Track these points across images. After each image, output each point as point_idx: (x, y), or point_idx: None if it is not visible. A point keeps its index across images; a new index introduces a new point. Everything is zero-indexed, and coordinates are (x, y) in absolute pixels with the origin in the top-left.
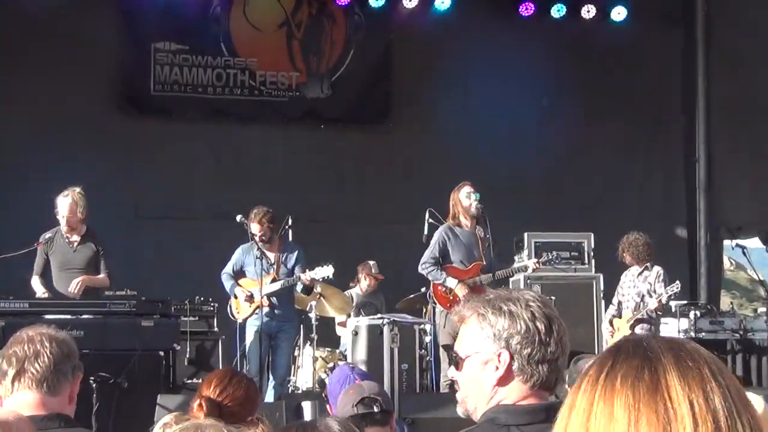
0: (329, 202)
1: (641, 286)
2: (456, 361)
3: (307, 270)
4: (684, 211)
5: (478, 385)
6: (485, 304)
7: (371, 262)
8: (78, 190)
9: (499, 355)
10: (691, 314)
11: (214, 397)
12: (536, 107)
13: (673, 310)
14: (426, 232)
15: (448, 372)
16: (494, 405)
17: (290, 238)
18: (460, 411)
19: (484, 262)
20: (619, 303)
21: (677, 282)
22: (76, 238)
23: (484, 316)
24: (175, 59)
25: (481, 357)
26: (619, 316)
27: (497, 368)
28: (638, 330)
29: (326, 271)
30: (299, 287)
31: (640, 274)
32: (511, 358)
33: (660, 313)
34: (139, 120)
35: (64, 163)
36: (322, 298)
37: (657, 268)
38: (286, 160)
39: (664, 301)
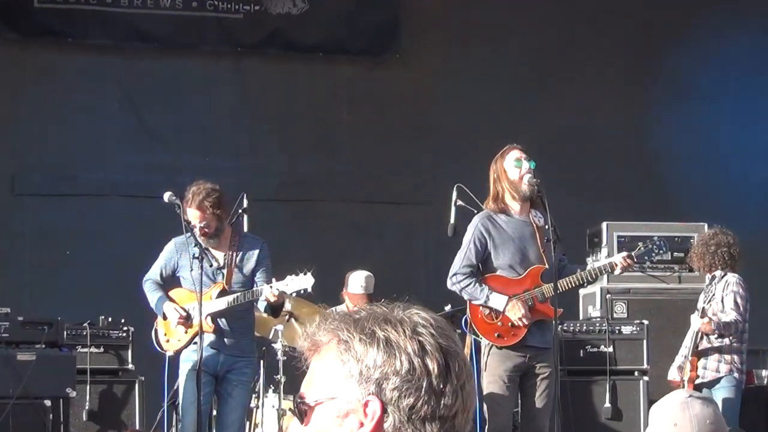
0: (306, 173)
1: (708, 304)
2: (301, 410)
3: (274, 279)
4: None
5: None
6: (351, 326)
7: (362, 276)
8: None
9: (365, 405)
10: None
11: None
12: (618, 39)
13: None
14: (452, 220)
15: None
16: None
17: (246, 228)
18: None
19: (547, 265)
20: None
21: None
22: None
23: (347, 345)
24: None
25: (339, 405)
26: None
27: (362, 424)
28: (702, 371)
29: (303, 282)
30: (261, 304)
31: (708, 286)
32: (383, 410)
33: (722, 339)
34: (18, 47)
35: None
36: (293, 320)
37: (730, 276)
38: (241, 109)
39: (716, 317)
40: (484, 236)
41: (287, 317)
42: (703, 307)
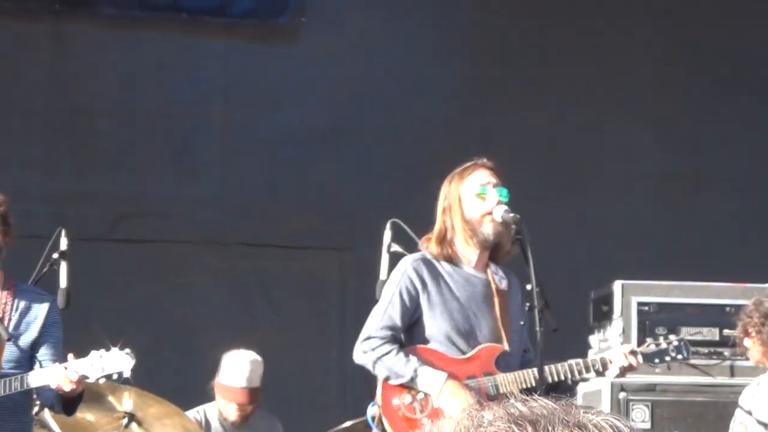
0: (156, 199)
1: None
2: None
3: (71, 356)
4: None
5: None
6: (528, 429)
7: (244, 361)
8: None
9: None
10: None
11: None
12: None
13: None
14: (384, 275)
15: None
16: None
17: (63, 281)
18: None
19: (507, 346)
20: None
21: None
22: None
23: None
24: None
25: None
26: None
27: None
28: None
29: (116, 362)
30: (50, 397)
31: None
32: None
33: None
34: None
35: None
36: (134, 425)
37: None
38: (58, 96)
39: None
40: (416, 287)
41: (125, 420)
42: None
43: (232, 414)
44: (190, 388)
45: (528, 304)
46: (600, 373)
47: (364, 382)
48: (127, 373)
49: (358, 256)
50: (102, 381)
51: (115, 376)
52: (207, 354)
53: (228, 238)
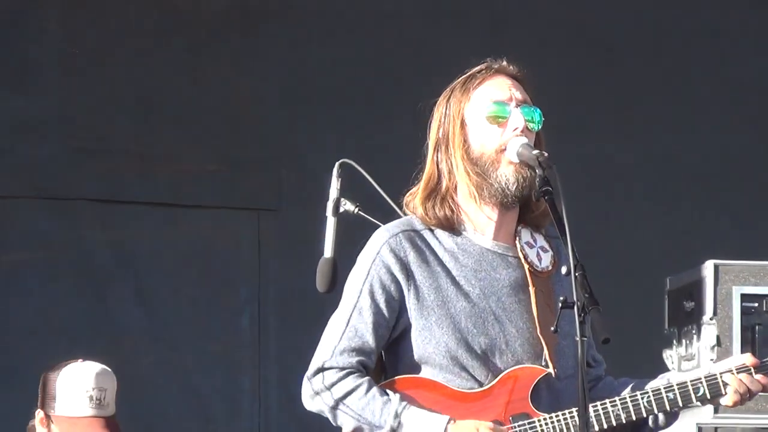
0: None
1: None
2: None
3: None
4: None
5: None
6: None
7: (87, 376)
8: None
9: None
10: None
11: None
12: None
13: None
14: (329, 251)
15: None
16: None
17: None
18: None
19: (552, 368)
20: None
21: None
22: None
23: None
24: None
25: None
26: None
27: None
28: None
29: None
30: None
31: None
32: None
33: None
34: None
35: None
36: None
37: None
38: None
39: None
40: (396, 281)
41: None
42: None
43: None
44: (11, 428)
45: (562, 299)
46: (708, 401)
47: (292, 422)
48: None
49: (284, 220)
50: None
51: None
52: (38, 373)
53: (72, 190)
